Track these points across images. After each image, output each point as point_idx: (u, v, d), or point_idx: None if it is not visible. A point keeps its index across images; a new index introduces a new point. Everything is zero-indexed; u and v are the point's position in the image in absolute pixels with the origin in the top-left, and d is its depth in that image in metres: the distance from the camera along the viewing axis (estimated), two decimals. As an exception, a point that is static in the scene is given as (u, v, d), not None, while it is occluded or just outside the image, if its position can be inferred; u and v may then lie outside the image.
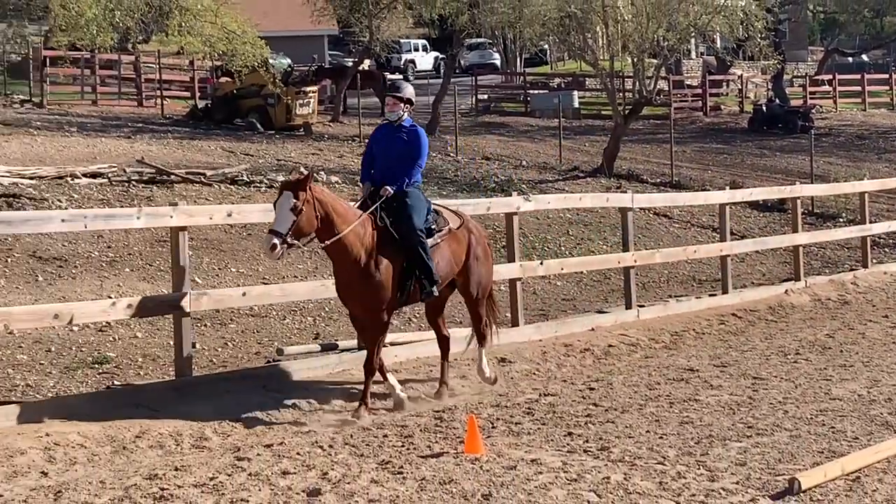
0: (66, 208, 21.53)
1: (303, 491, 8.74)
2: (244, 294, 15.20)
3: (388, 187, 11.86)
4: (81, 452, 10.25)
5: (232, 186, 27.52)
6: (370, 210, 11.77)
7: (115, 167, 26.82)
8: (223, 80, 43.14)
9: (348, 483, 8.94)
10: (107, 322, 15.05)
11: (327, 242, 11.37)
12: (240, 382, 12.63)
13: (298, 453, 9.99)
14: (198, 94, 45.64)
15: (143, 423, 11.10)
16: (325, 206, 11.30)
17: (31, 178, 24.52)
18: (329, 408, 12.21)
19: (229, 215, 15.65)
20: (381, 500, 8.44)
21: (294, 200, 11.07)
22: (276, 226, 11.08)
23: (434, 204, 12.77)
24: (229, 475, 9.27)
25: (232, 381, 12.66)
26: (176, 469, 9.58)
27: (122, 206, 22.23)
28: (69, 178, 25.17)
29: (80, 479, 9.48)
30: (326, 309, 17.90)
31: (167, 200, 23.40)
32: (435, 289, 11.96)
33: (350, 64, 52.58)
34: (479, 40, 69.81)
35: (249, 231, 21.89)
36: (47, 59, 44.27)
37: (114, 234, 20.13)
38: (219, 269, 20.12)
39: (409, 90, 12.64)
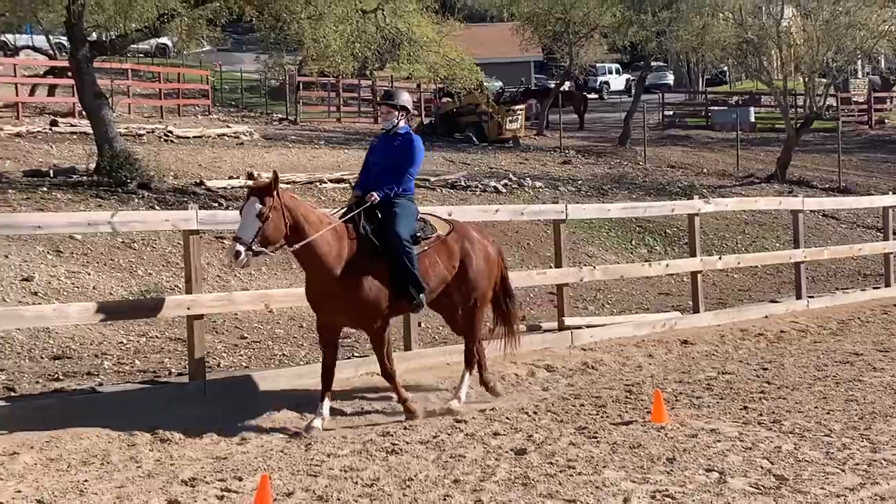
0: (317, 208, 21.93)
1: (511, 450, 8.80)
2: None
3: (373, 193, 10.09)
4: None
5: (451, 190, 27.78)
6: (348, 217, 10.07)
7: (354, 174, 27.25)
8: (445, 100, 43.77)
9: (550, 444, 8.97)
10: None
11: (295, 247, 9.59)
12: (457, 354, 12.75)
13: (507, 418, 10.06)
14: (423, 113, 46.09)
15: (380, 387, 11.24)
16: (293, 213, 9.56)
17: (287, 183, 25.11)
18: (533, 379, 12.24)
19: (449, 214, 15.90)
20: (579, 460, 8.44)
21: (260, 206, 9.32)
22: (240, 232, 9.37)
23: (424, 213, 10.86)
24: (449, 434, 9.40)
25: (451, 353, 12.80)
26: (405, 428, 9.76)
27: (359, 207, 22.51)
28: (318, 183, 25.77)
29: (326, 435, 9.73)
30: (531, 295, 17.92)
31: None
32: (423, 297, 10.13)
33: (553, 85, 52.47)
34: (655, 63, 68.86)
35: (466, 228, 22.00)
36: (300, 84, 45.85)
37: (354, 231, 20.39)
38: (440, 260, 20.25)
39: (403, 97, 10.75)
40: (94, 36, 24.94)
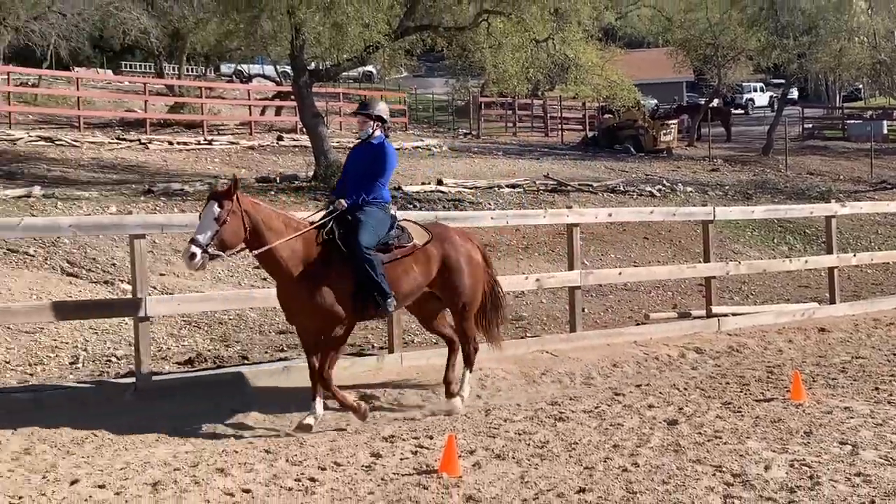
0: (493, 209, 22.19)
1: (664, 420, 8.68)
2: (620, 273, 15.51)
3: (341, 201, 8.92)
4: (503, 383, 10.54)
5: (611, 194, 27.55)
6: (317, 224, 8.92)
7: (528, 180, 27.37)
8: (606, 116, 43.77)
9: (698, 417, 8.81)
10: (521, 291, 15.39)
11: (256, 252, 8.58)
12: (616, 337, 12.73)
13: (661, 393, 9.92)
14: (588, 127, 45.97)
15: (547, 363, 11.30)
16: (253, 218, 8.47)
17: (470, 188, 25.37)
18: (684, 360, 12.07)
19: (609, 215, 16.03)
20: (724, 431, 8.27)
21: (218, 210, 8.31)
22: (197, 234, 8.28)
23: (406, 220, 9.63)
24: (609, 405, 9.32)
25: (611, 335, 12.78)
26: (570, 399, 9.72)
27: (532, 208, 22.62)
28: (496, 188, 25.91)
29: (503, 402, 9.78)
30: (682, 286, 17.64)
31: (564, 204, 23.81)
32: (390, 303, 8.79)
33: (702, 102, 51.45)
34: (777, 81, 66.71)
35: (624, 228, 21.87)
36: (482, 104, 46.13)
37: (526, 228, 20.50)
38: (601, 255, 20.17)
39: (378, 107, 9.46)
40: (312, 65, 25.68)
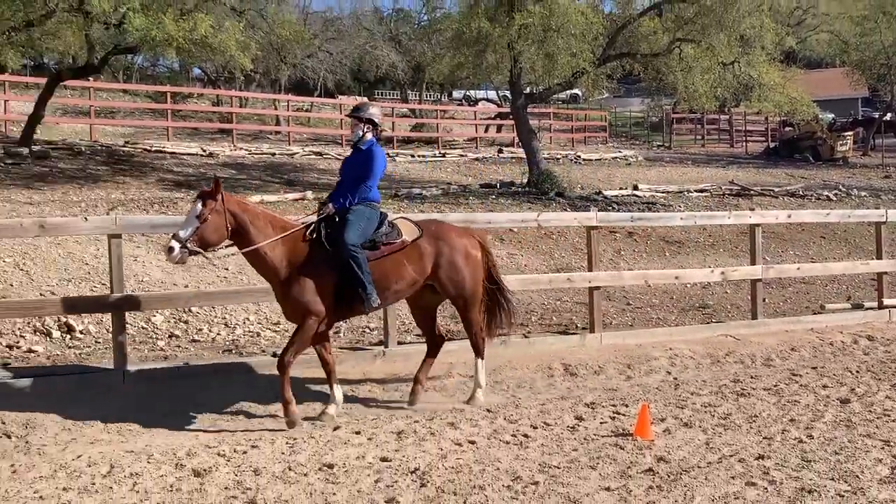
0: (683, 211, 21.68)
1: (837, 399, 8.26)
2: (798, 268, 14.90)
3: (330, 205, 7.99)
4: (691, 361, 10.26)
5: (791, 198, 26.23)
6: (306, 226, 8.00)
7: (714, 185, 26.55)
8: (787, 129, 41.96)
9: (869, 397, 8.33)
10: (707, 282, 15.00)
11: (243, 251, 7.74)
12: (794, 324, 12.20)
13: (834, 374, 9.43)
14: (770, 139, 44.29)
15: (730, 346, 10.92)
16: (238, 218, 7.61)
17: (662, 193, 24.85)
18: (856, 346, 11.41)
19: (788, 216, 15.41)
20: (894, 410, 7.81)
21: (201, 208, 7.51)
22: (179, 230, 7.50)
23: (400, 218, 8.59)
24: (786, 384, 8.94)
25: (789, 323, 12.24)
26: (751, 377, 9.39)
27: (718, 210, 21.96)
28: (685, 193, 25.26)
29: (690, 378, 9.54)
30: (856, 281, 16.66)
31: (748, 207, 22.97)
32: (374, 299, 7.80)
33: (876, 116, 48.39)
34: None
35: (802, 228, 20.88)
36: (674, 119, 45.32)
37: (713, 227, 19.92)
38: (780, 252, 19.30)
39: (369, 111, 8.38)
40: (527, 90, 25.88)
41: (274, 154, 27.51)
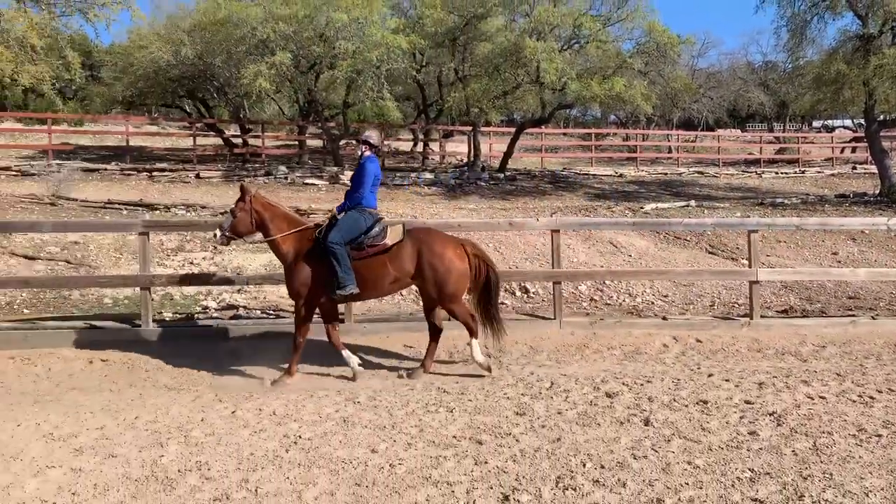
0: None
1: None
2: None
3: (334, 209, 7.14)
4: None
5: None
6: (316, 225, 7.11)
7: None
8: None
9: None
10: None
11: (265, 240, 7.11)
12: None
13: None
14: None
15: None
16: (261, 215, 7.05)
17: None
18: None
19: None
20: None
21: (234, 207, 7.10)
22: (222, 222, 7.21)
23: (394, 223, 7.29)
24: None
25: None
26: (815, 359, 7.18)
27: None
28: None
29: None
30: None
31: None
32: (347, 287, 6.79)
33: None
34: None
35: None
36: None
37: None
38: None
39: (366, 134, 7.30)
40: (881, 117, 22.09)
41: (666, 174, 26.66)
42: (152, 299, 8.48)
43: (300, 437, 5.05)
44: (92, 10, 12.32)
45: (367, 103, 23.83)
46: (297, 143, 26.99)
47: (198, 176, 20.50)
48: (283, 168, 22.32)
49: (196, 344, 8.02)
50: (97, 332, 8.13)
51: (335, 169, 22.02)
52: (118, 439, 5.06)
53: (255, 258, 11.25)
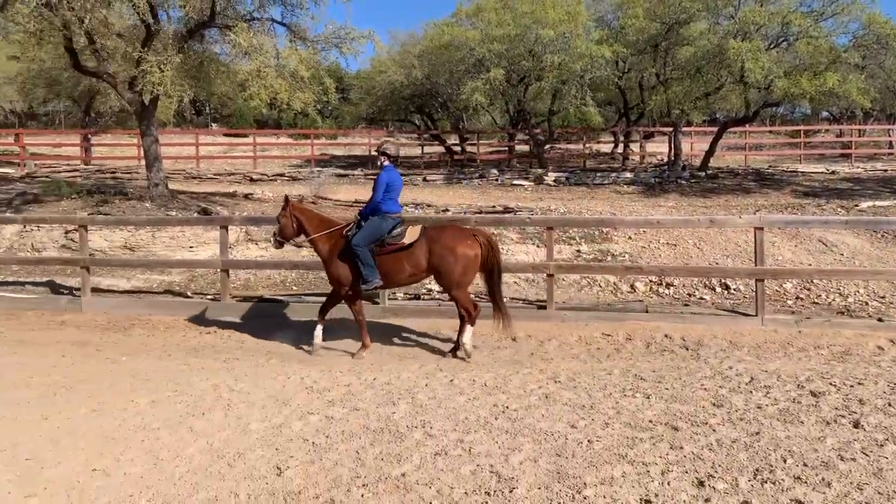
0: None
1: None
2: None
3: (357, 214, 7.35)
4: None
5: None
6: (346, 225, 7.42)
7: None
8: None
9: None
10: None
11: (306, 239, 7.49)
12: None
13: None
14: None
15: None
16: (299, 219, 7.46)
17: None
18: None
19: None
20: None
21: (279, 215, 7.60)
22: (274, 230, 7.69)
23: (413, 224, 7.39)
24: None
25: None
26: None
27: None
28: None
29: None
30: None
31: None
32: (373, 282, 7.11)
33: None
34: None
35: None
36: None
37: None
38: None
39: (382, 147, 7.37)
40: None
41: (886, 171, 22.93)
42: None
43: (507, 407, 5.15)
44: (345, 45, 13.57)
45: (570, 110, 23.57)
46: (507, 148, 27.47)
47: (424, 179, 21.74)
48: (494, 171, 22.85)
49: (418, 320, 8.51)
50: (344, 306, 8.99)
51: (540, 171, 22.11)
52: (361, 395, 5.46)
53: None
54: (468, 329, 7.19)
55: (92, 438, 4.70)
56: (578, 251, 11.37)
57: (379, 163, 7.44)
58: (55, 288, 10.41)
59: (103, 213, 12.52)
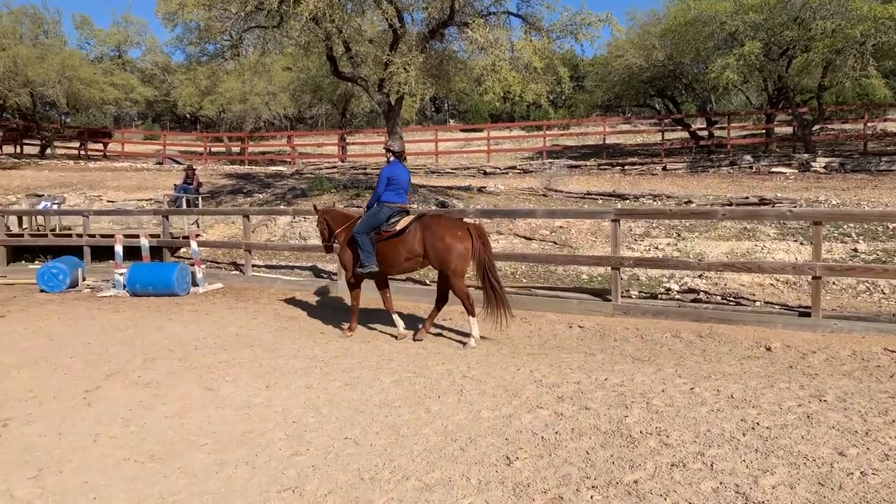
0: None
1: None
2: None
3: (366, 206, 7.82)
4: None
5: None
6: (357, 219, 8.00)
7: None
8: None
9: None
10: None
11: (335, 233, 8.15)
12: None
13: None
14: None
15: None
16: (326, 220, 8.26)
17: None
18: None
19: None
20: None
21: (317, 223, 8.65)
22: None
23: (411, 214, 7.75)
24: None
25: None
26: None
27: None
28: None
29: None
30: None
31: None
32: (367, 268, 7.54)
33: None
34: None
35: None
36: None
37: None
38: None
39: (388, 144, 7.72)
40: None
41: None
42: (621, 278, 8.76)
43: (758, 423, 4.73)
44: (580, 31, 13.43)
45: (846, 83, 20.45)
46: (763, 131, 24.83)
47: (664, 168, 20.64)
48: (748, 157, 20.81)
49: (654, 321, 8.10)
50: (575, 302, 8.69)
51: (806, 156, 19.55)
52: (591, 395, 5.41)
53: (717, 245, 10.81)
54: (473, 321, 7.40)
55: (344, 409, 5.29)
56: (854, 250, 9.85)
57: (387, 159, 7.81)
58: (317, 272, 12.01)
59: (355, 207, 14.06)
